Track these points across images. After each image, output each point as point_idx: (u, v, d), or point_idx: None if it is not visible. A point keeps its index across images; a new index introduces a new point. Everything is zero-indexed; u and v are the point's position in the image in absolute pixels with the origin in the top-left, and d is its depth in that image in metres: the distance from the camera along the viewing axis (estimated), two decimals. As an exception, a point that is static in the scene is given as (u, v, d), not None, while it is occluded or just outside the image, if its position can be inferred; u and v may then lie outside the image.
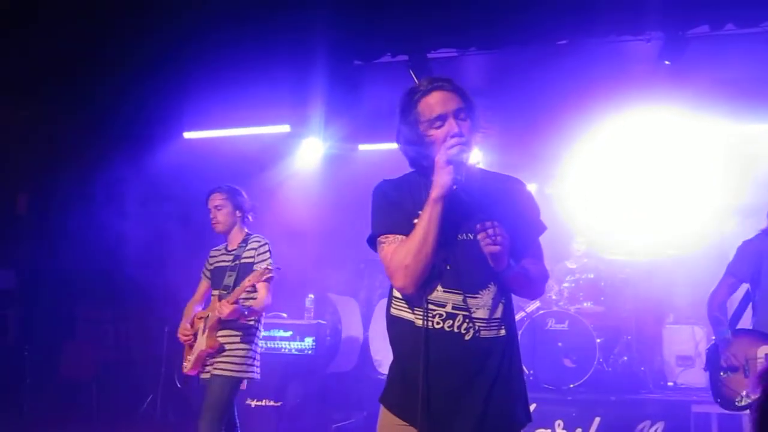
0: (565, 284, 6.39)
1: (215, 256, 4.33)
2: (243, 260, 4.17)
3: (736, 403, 3.25)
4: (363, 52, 6.29)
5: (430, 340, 2.09)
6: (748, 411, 3.27)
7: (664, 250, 6.28)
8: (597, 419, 5.27)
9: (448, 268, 2.12)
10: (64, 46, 5.97)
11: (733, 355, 3.24)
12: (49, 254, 6.67)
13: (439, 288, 2.13)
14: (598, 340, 5.77)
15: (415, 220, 2.15)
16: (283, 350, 5.79)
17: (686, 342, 6.18)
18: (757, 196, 5.54)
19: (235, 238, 4.28)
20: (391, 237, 2.18)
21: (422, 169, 2.24)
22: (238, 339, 4.05)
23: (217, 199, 4.26)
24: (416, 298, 2.14)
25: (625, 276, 6.37)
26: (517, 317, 5.34)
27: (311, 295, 6.65)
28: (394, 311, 2.24)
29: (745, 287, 3.53)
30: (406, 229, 2.16)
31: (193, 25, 5.82)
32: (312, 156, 7.34)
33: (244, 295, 4.03)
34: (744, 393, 3.20)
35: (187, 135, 7.15)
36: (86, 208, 6.73)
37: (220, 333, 4.05)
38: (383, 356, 7.01)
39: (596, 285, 6.35)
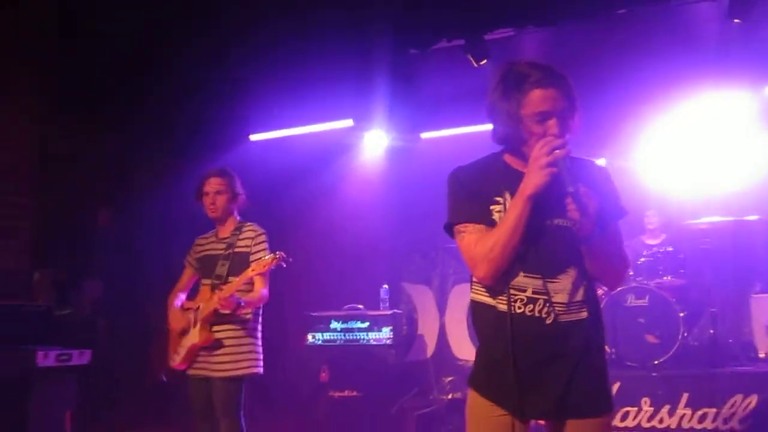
0: (643, 259, 6.21)
1: (202, 244, 4.06)
2: (237, 249, 3.89)
3: None
4: (418, 40, 6.28)
5: (513, 325, 2.10)
6: None
7: (746, 215, 6.03)
8: (685, 395, 5.13)
9: (530, 253, 2.11)
10: (127, 57, 6.14)
11: None
12: (129, 264, 6.93)
13: (521, 273, 2.12)
14: (682, 314, 5.60)
15: (492, 207, 2.15)
16: (361, 341, 5.87)
17: (776, 310, 5.92)
18: None
19: (228, 226, 4.01)
20: (470, 226, 2.16)
21: (508, 147, 2.23)
22: (240, 334, 3.81)
23: (218, 184, 3.96)
24: (498, 283, 2.14)
25: (706, 246, 6.14)
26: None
27: (385, 285, 6.71)
28: (474, 296, 2.25)
29: None
30: (485, 218, 2.15)
31: (249, 27, 5.93)
32: (376, 148, 7.41)
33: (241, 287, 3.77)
34: None
35: (253, 137, 7.32)
36: (159, 218, 6.96)
37: (219, 327, 3.80)
38: (461, 342, 7.03)
39: (676, 257, 6.16)
